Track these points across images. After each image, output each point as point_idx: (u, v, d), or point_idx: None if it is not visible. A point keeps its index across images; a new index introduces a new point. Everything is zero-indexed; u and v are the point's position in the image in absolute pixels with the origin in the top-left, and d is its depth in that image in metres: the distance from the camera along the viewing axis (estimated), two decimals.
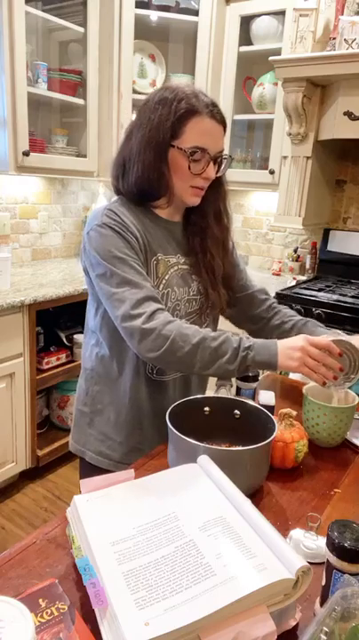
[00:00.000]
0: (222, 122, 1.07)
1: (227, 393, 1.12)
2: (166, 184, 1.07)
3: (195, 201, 1.11)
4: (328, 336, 1.07)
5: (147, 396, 1.14)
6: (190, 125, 1.02)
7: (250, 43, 2.65)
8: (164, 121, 1.02)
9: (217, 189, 1.15)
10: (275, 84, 2.54)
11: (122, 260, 1.02)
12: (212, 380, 1.19)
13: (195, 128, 1.02)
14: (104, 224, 1.04)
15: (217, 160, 1.08)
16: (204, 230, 1.16)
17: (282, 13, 2.47)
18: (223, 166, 1.11)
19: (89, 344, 1.19)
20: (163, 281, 1.11)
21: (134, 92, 2.58)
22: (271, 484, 0.94)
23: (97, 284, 1.05)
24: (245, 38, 2.64)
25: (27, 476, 2.39)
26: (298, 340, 1.01)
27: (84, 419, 1.21)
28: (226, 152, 1.11)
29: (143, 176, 1.06)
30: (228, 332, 1.03)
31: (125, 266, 1.02)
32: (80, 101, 2.53)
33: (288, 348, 1.00)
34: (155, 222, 1.12)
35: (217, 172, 1.10)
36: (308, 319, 1.26)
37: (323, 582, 0.62)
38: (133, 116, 1.23)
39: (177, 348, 0.98)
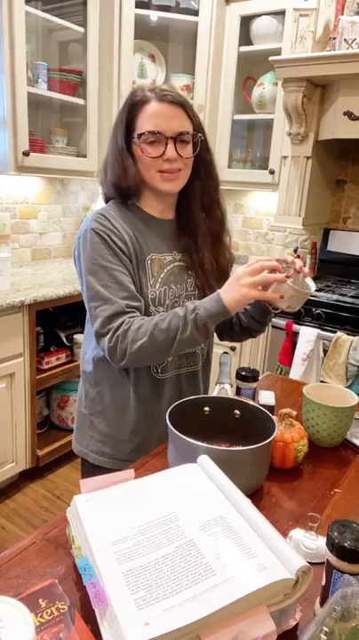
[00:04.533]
0: (177, 102, 1.05)
1: (227, 393, 1.12)
2: (134, 177, 1.09)
3: (168, 186, 1.09)
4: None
5: (152, 394, 1.15)
6: (140, 114, 1.06)
7: (250, 43, 2.64)
8: (120, 117, 1.08)
9: (205, 181, 1.15)
10: (275, 83, 2.54)
11: (103, 267, 1.04)
12: (212, 379, 1.20)
13: (145, 114, 1.05)
14: (92, 229, 1.06)
15: (183, 140, 1.06)
16: (195, 229, 1.17)
17: (282, 13, 2.47)
18: (196, 147, 1.09)
19: (88, 347, 1.19)
20: (159, 279, 1.12)
21: None
22: (271, 483, 0.94)
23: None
24: (245, 38, 2.64)
25: (27, 476, 2.39)
26: (233, 275, 1.00)
27: (85, 421, 1.21)
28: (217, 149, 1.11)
29: (114, 175, 1.10)
30: (177, 308, 1.04)
31: (105, 275, 1.04)
32: (80, 101, 2.53)
33: (228, 286, 0.99)
34: (146, 222, 1.13)
35: (194, 152, 1.09)
36: None
37: (323, 582, 0.63)
38: None
39: (136, 347, 1.00)
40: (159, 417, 1.15)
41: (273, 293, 1.00)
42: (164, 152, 1.05)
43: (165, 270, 1.13)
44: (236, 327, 1.26)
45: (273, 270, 0.99)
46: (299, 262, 1.05)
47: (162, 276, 1.12)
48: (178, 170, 1.08)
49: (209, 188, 1.16)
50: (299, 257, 2.88)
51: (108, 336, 1.02)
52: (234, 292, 0.97)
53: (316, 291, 2.42)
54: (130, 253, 1.07)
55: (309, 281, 1.08)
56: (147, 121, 1.05)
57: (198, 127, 1.10)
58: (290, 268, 1.04)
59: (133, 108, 1.06)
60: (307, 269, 1.06)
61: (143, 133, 1.05)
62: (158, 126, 1.04)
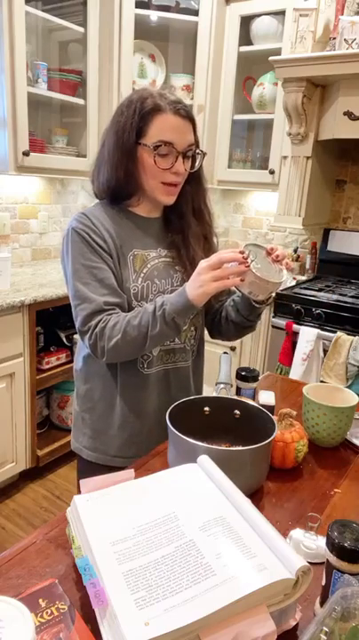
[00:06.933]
0: (189, 117, 1.08)
1: (227, 393, 1.12)
2: (135, 182, 1.10)
3: (168, 199, 1.12)
4: None
5: (138, 389, 1.16)
6: (154, 122, 1.05)
7: (250, 43, 2.65)
8: (130, 121, 1.06)
9: (195, 188, 1.17)
10: (275, 83, 2.54)
11: (83, 266, 1.06)
12: (212, 379, 1.19)
13: (160, 124, 1.05)
14: (72, 229, 1.08)
15: (187, 154, 1.09)
16: (184, 229, 1.18)
17: (282, 13, 2.47)
18: (197, 161, 1.12)
19: (79, 346, 1.21)
20: (141, 274, 1.13)
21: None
22: (271, 483, 0.94)
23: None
24: (245, 38, 2.64)
25: (27, 476, 2.39)
26: (196, 270, 1.00)
27: (78, 418, 1.24)
28: (206, 151, 1.11)
29: (111, 176, 1.09)
30: (149, 304, 1.05)
31: (85, 273, 1.06)
32: (80, 101, 2.53)
33: (191, 281, 1.00)
34: (132, 220, 1.15)
35: (192, 167, 1.12)
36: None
37: (323, 582, 0.63)
38: None
39: (112, 345, 1.03)
40: (147, 411, 1.16)
41: (234, 279, 0.99)
42: (174, 165, 1.07)
43: (149, 266, 1.14)
44: (224, 322, 1.25)
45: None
46: (274, 249, 1.05)
47: (144, 271, 1.13)
48: (179, 183, 1.11)
49: (198, 195, 1.19)
50: (298, 257, 2.88)
51: (88, 334, 1.05)
52: (196, 286, 0.99)
53: (316, 291, 2.42)
54: (109, 249, 1.09)
55: (283, 272, 1.05)
56: (161, 131, 1.05)
57: (197, 142, 1.12)
58: (260, 251, 1.04)
59: (146, 115, 1.04)
60: (287, 261, 1.06)
61: (160, 145, 1.05)
62: (171, 138, 1.05)
